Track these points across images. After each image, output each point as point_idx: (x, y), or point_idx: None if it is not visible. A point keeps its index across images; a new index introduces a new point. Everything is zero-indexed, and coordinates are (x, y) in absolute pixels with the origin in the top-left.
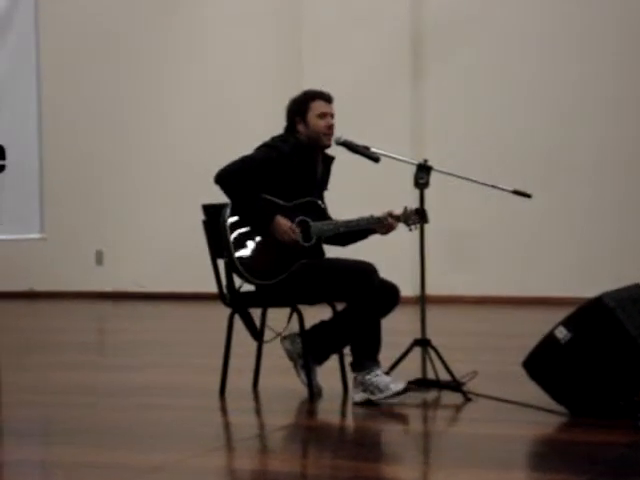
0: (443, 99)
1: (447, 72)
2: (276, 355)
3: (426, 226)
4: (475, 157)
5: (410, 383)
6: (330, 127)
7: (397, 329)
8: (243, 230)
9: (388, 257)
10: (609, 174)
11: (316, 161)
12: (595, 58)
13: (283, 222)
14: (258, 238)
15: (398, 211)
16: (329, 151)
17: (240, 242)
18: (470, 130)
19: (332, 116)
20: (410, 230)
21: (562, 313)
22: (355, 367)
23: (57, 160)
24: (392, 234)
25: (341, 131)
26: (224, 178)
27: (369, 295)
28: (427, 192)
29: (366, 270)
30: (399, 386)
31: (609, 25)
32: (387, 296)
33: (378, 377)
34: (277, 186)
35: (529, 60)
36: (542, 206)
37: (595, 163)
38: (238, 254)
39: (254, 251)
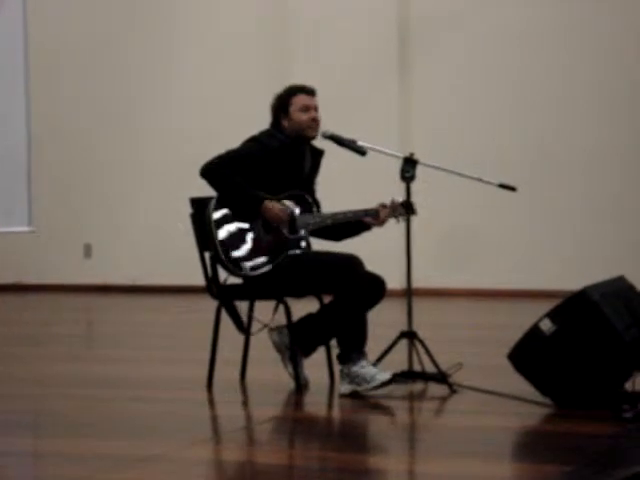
0: (430, 93)
1: (434, 66)
2: (263, 347)
3: (414, 219)
4: (463, 151)
5: (396, 375)
6: (313, 119)
7: (384, 321)
8: (233, 226)
9: (376, 249)
10: (603, 168)
11: (304, 155)
12: (586, 50)
13: (273, 205)
14: (250, 233)
15: (386, 203)
16: (318, 145)
17: (233, 239)
18: (458, 124)
19: (316, 109)
20: (397, 222)
21: (548, 306)
22: (342, 359)
23: (45, 153)
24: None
25: (329, 125)
26: (209, 170)
27: (355, 287)
28: (415, 185)
29: (352, 262)
30: (385, 376)
31: (600, 16)
32: (373, 288)
33: (364, 368)
34: (263, 180)
35: (517, 53)
36: (530, 200)
37: (588, 157)
38: (235, 254)
39: (240, 242)
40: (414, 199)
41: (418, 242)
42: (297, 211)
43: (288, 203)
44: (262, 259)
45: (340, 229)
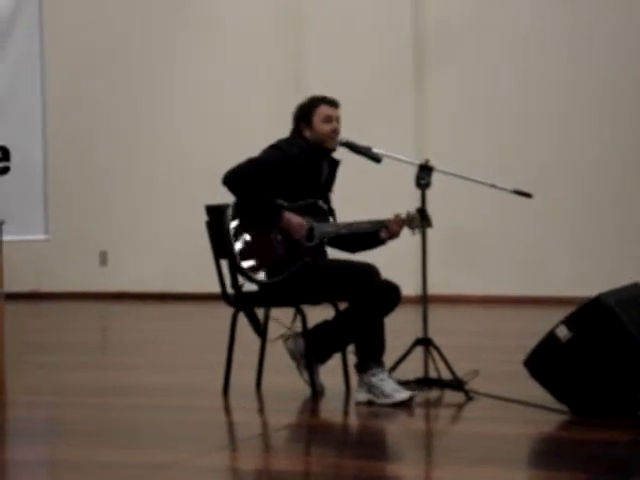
0: (445, 101)
1: (449, 75)
2: (279, 354)
3: (432, 228)
4: (477, 158)
5: (412, 382)
6: (335, 130)
7: (400, 328)
8: (248, 235)
9: (391, 256)
10: (608, 176)
11: (322, 164)
12: (594, 60)
13: (292, 217)
14: (262, 238)
15: (401, 215)
16: (335, 154)
17: (250, 246)
18: (472, 131)
19: (337, 120)
20: (413, 234)
21: (563, 313)
22: (360, 368)
23: (62, 162)
24: None
25: (344, 133)
26: (232, 179)
27: (371, 294)
28: (430, 192)
29: (368, 270)
30: (404, 395)
31: (606, 28)
32: (388, 295)
33: (384, 381)
34: (282, 188)
35: (531, 62)
36: (544, 207)
37: (595, 165)
38: (246, 264)
39: (258, 251)
40: (429, 207)
41: (432, 249)
42: (315, 224)
43: (306, 219)
44: (279, 266)
45: (355, 241)
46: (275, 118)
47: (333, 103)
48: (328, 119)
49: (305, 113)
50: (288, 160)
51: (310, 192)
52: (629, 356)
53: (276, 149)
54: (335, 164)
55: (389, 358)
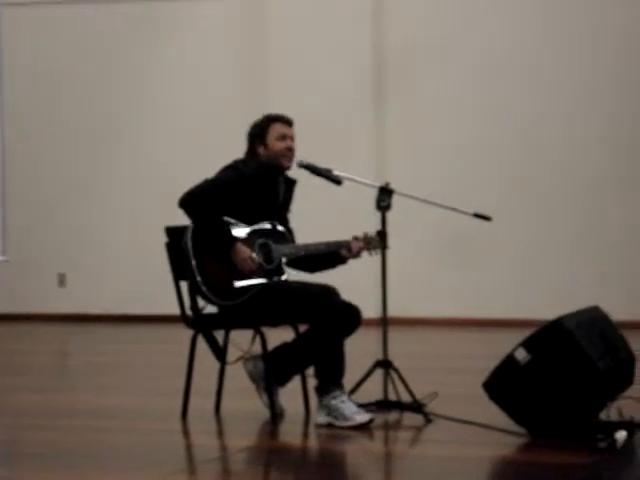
0: (406, 122)
1: (410, 96)
2: (238, 377)
3: (390, 250)
4: (437, 180)
5: (372, 405)
6: (289, 149)
7: (360, 350)
8: (207, 257)
9: (352, 278)
10: (568, 199)
11: (278, 183)
12: (557, 83)
13: (243, 250)
14: (221, 260)
15: (359, 235)
16: (292, 175)
17: (203, 265)
18: (433, 153)
19: (292, 138)
20: (371, 255)
21: (523, 335)
22: (320, 390)
23: (20, 182)
24: None
25: (305, 155)
26: (188, 202)
27: (330, 316)
28: (391, 214)
29: (327, 292)
30: (364, 418)
31: (573, 55)
32: (348, 317)
33: (344, 404)
34: (239, 208)
35: (492, 82)
36: (503, 230)
37: (555, 188)
38: (205, 286)
39: (217, 273)
40: (390, 228)
41: (393, 271)
42: (273, 246)
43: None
44: (238, 289)
45: (315, 261)
46: (239, 139)
47: (287, 121)
48: (282, 137)
49: (259, 132)
50: (243, 180)
51: (267, 212)
52: (588, 379)
53: (231, 169)
54: (292, 184)
55: (349, 380)
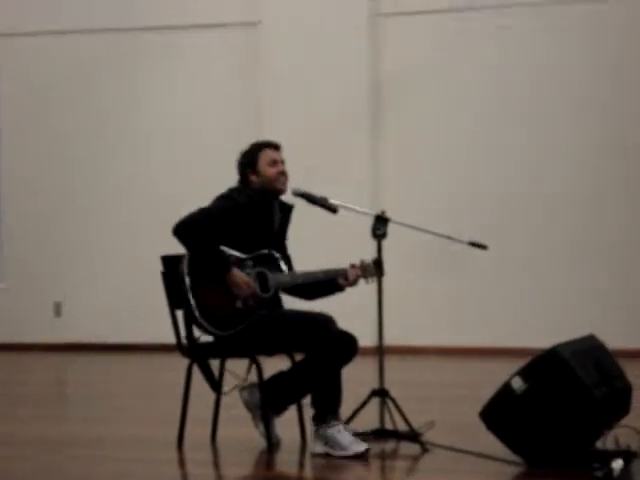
0: (402, 149)
1: (405, 121)
2: (234, 406)
3: (386, 277)
4: (433, 208)
5: (368, 434)
6: (281, 173)
7: (357, 379)
8: (203, 286)
9: (348, 307)
10: (565, 225)
11: (273, 210)
12: (555, 105)
13: (239, 276)
14: (217, 289)
15: (356, 263)
16: (288, 200)
17: (198, 294)
18: (430, 180)
19: (282, 162)
20: (367, 283)
21: (520, 363)
22: (316, 420)
23: (16, 212)
24: None
25: (299, 183)
26: (182, 230)
27: (327, 346)
28: (387, 242)
29: (324, 320)
30: (360, 448)
31: (568, 76)
32: (345, 346)
33: (340, 433)
34: (235, 237)
35: (487, 111)
36: (501, 259)
37: (552, 214)
38: (201, 315)
39: (212, 302)
40: (385, 256)
41: (390, 300)
42: (270, 274)
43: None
44: (234, 318)
45: (312, 289)
46: (231, 168)
47: (275, 146)
48: (274, 162)
49: (249, 159)
50: (238, 208)
51: (263, 240)
52: (584, 408)
53: (226, 198)
54: (288, 210)
55: (345, 409)
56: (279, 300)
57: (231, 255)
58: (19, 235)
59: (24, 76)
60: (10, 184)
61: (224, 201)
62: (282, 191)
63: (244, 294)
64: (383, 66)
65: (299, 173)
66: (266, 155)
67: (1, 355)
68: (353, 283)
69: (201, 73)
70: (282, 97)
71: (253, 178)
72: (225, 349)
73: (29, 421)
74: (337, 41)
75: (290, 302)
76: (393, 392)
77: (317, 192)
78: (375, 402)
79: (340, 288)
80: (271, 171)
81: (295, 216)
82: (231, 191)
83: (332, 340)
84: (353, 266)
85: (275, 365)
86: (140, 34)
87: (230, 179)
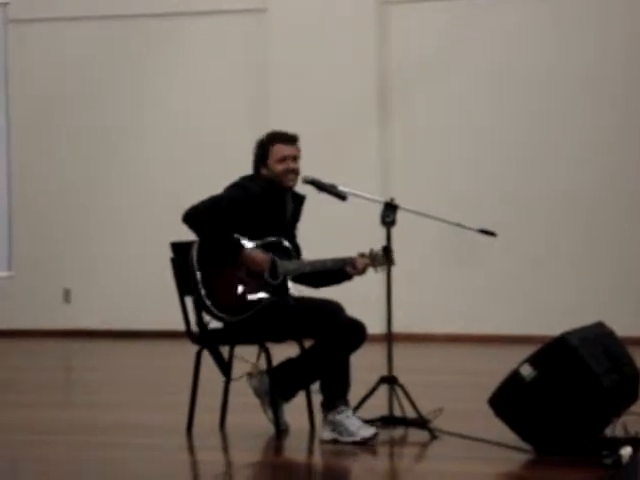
0: (410, 138)
1: (414, 111)
2: (243, 393)
3: (395, 265)
4: (443, 196)
5: (377, 420)
6: (290, 170)
7: (365, 366)
8: (213, 272)
9: (357, 294)
10: (577, 211)
11: (285, 201)
12: (565, 93)
13: (253, 250)
14: (227, 276)
15: (365, 252)
16: (299, 190)
17: (208, 281)
18: (438, 168)
19: (294, 158)
20: (376, 272)
21: (528, 351)
22: (325, 406)
23: (25, 198)
24: None
25: (310, 170)
26: (192, 216)
27: (335, 332)
28: (396, 229)
29: (332, 308)
30: (368, 432)
31: (577, 61)
32: (353, 333)
33: (348, 419)
34: (246, 225)
35: (496, 99)
36: (511, 246)
37: (563, 200)
38: (210, 301)
39: (222, 288)
40: (394, 244)
41: (398, 287)
42: (278, 261)
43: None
44: (243, 304)
45: (320, 277)
46: (242, 157)
47: (289, 140)
48: (283, 159)
49: (261, 152)
50: (250, 198)
51: (274, 229)
52: (593, 395)
53: (238, 187)
54: (300, 200)
55: (354, 396)
56: (287, 287)
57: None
58: (28, 223)
59: (36, 65)
60: (19, 173)
61: (236, 190)
62: (289, 188)
63: (263, 266)
64: (391, 54)
65: (307, 162)
66: (277, 150)
67: (11, 342)
68: (362, 272)
69: (209, 64)
70: (288, 86)
71: (263, 170)
72: (234, 335)
73: (36, 408)
74: (344, 29)
75: (298, 291)
76: (402, 379)
77: (326, 180)
78: (384, 389)
79: (348, 277)
80: (279, 168)
81: (305, 204)
82: (243, 180)
83: (340, 327)
84: (362, 255)
85: (284, 352)
86: (149, 21)
87: (237, 167)
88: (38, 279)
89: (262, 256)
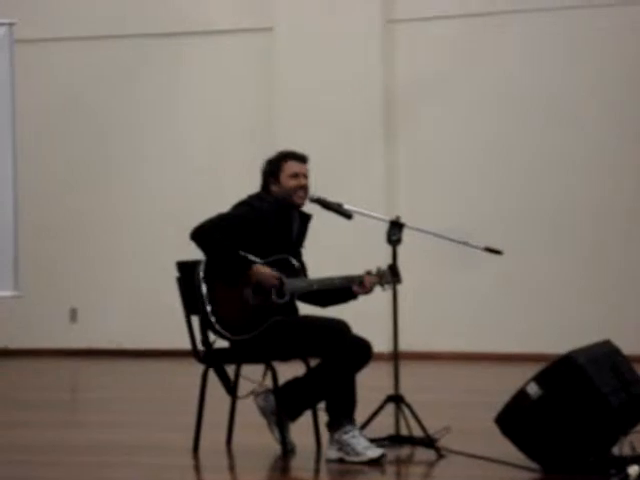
0: (416, 156)
1: (420, 129)
2: (249, 412)
3: (401, 284)
4: (447, 213)
5: (384, 440)
6: (302, 187)
7: (371, 385)
8: (219, 291)
9: (363, 313)
10: (580, 232)
11: (292, 219)
12: (569, 115)
13: (262, 267)
14: (233, 295)
15: (372, 270)
16: (306, 209)
17: (214, 299)
18: (444, 186)
19: (305, 176)
20: (383, 290)
21: (534, 369)
22: (331, 426)
23: (32, 219)
24: None
25: (315, 189)
26: (200, 233)
27: (341, 351)
28: (401, 248)
29: (338, 326)
30: (375, 453)
31: (583, 83)
32: (359, 352)
33: (355, 439)
34: (253, 244)
35: (503, 116)
36: (515, 264)
37: (566, 222)
38: (216, 321)
39: (228, 307)
40: (399, 263)
41: (404, 305)
42: (286, 280)
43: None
44: (250, 323)
45: (327, 296)
46: (247, 175)
47: (301, 159)
48: (295, 175)
49: (273, 168)
50: (258, 216)
51: (281, 248)
52: (600, 414)
53: (245, 205)
54: (307, 219)
55: (360, 415)
56: (295, 305)
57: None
58: (35, 242)
59: (43, 85)
60: (25, 190)
61: (243, 208)
62: (300, 205)
63: (273, 283)
64: (397, 72)
65: (313, 180)
66: (289, 167)
67: (17, 361)
68: (369, 290)
69: (216, 83)
70: (295, 103)
71: (274, 187)
72: (240, 354)
73: (44, 426)
74: (350, 47)
75: (305, 310)
76: (408, 398)
77: (332, 198)
78: (390, 408)
79: (354, 296)
80: (292, 183)
81: (311, 222)
82: (251, 198)
83: (347, 345)
84: (369, 273)
85: (290, 371)
86: (156, 41)
87: (244, 187)
88: (44, 299)
89: (272, 272)
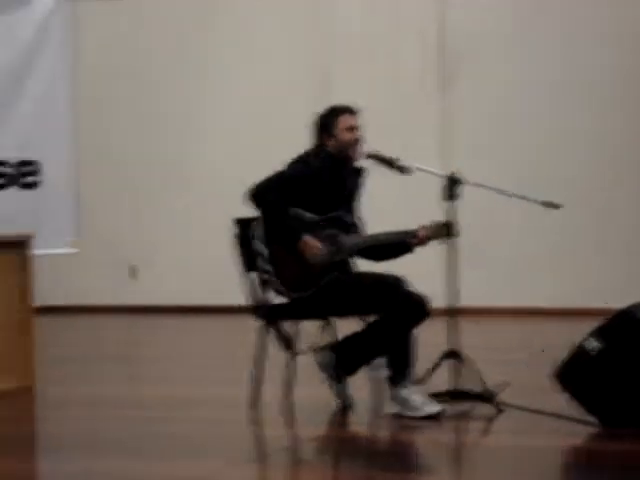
0: (471, 111)
1: (475, 84)
2: (308, 367)
3: (459, 238)
4: (506, 169)
5: (442, 394)
6: (358, 139)
7: (430, 341)
8: (276, 249)
9: (420, 268)
10: (635, 188)
11: (346, 174)
12: (627, 71)
13: (310, 241)
14: (291, 252)
15: (426, 224)
16: (361, 164)
17: (273, 257)
18: (499, 141)
19: (358, 129)
20: (439, 244)
21: (593, 324)
22: (390, 381)
23: (92, 176)
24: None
25: (369, 145)
26: (258, 194)
27: (399, 306)
28: (458, 205)
29: (395, 282)
30: (434, 409)
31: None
32: (416, 308)
33: (414, 394)
34: (309, 200)
35: (560, 68)
36: (573, 218)
37: (622, 178)
38: (274, 277)
39: (286, 264)
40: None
41: (462, 260)
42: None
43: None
44: (308, 280)
45: (381, 250)
46: (300, 132)
47: (353, 112)
48: (350, 128)
49: (326, 123)
50: (312, 173)
51: (336, 203)
52: None
53: (299, 163)
54: (361, 173)
55: (419, 371)
56: (351, 261)
57: (304, 219)
58: (96, 200)
59: (101, 52)
60: (88, 151)
61: (298, 166)
62: (355, 159)
63: (315, 260)
64: (453, 26)
65: (368, 137)
66: (344, 120)
67: (78, 318)
68: (424, 241)
69: (271, 33)
70: (350, 61)
71: (329, 142)
72: (298, 311)
73: (104, 382)
74: (406, 1)
75: (360, 265)
76: (466, 353)
77: (386, 153)
78: (448, 364)
79: (409, 249)
80: (348, 136)
81: (368, 177)
82: (306, 155)
83: (404, 301)
84: (423, 227)
85: (348, 326)
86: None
87: (298, 142)
88: (104, 256)
89: (318, 248)
